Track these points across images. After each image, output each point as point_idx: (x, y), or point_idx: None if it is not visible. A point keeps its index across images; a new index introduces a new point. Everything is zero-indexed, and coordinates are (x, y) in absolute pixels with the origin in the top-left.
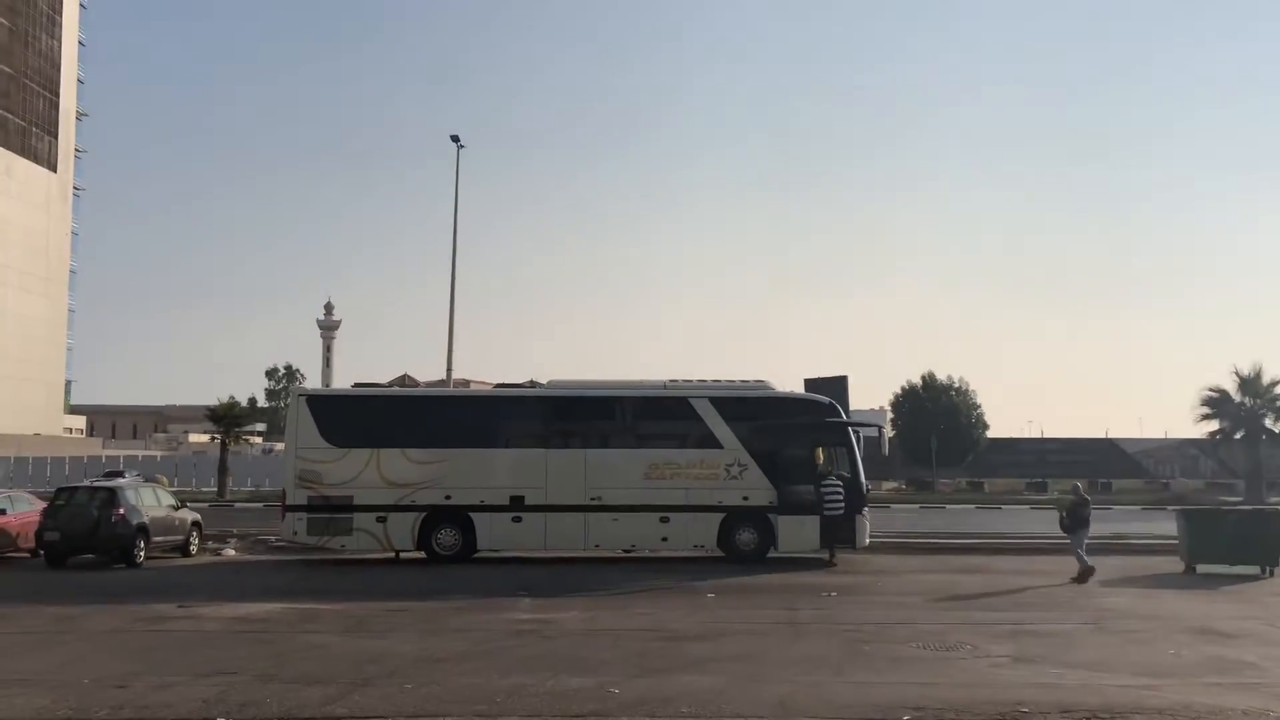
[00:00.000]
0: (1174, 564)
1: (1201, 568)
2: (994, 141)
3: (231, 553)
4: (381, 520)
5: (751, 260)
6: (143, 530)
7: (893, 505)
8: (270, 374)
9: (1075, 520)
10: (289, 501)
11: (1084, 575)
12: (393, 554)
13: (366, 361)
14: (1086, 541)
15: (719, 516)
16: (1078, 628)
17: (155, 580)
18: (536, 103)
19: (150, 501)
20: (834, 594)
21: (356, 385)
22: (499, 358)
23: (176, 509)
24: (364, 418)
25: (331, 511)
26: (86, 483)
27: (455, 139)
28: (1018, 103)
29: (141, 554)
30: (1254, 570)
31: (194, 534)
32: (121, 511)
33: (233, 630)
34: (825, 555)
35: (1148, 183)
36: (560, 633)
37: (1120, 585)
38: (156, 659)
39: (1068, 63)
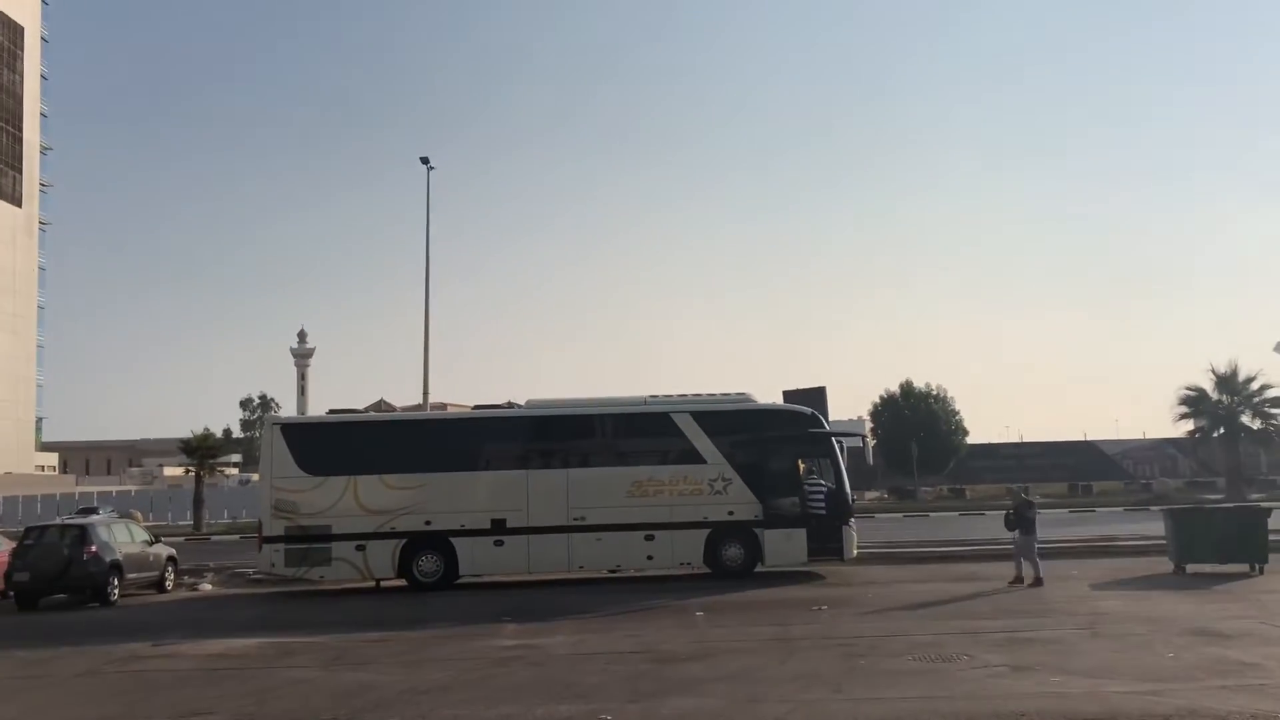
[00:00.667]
0: (1163, 564)
1: (1191, 567)
2: (967, 147)
3: (208, 587)
4: (360, 549)
5: (728, 275)
6: (116, 568)
7: (877, 515)
8: (245, 404)
9: (1021, 523)
10: (265, 533)
11: (1017, 581)
12: (373, 583)
13: (342, 388)
14: (1037, 545)
15: (704, 532)
16: (1073, 633)
17: (130, 619)
18: (511, 119)
19: (123, 538)
20: (825, 607)
21: (331, 412)
22: (476, 380)
23: (150, 544)
24: (340, 445)
25: (309, 541)
26: (57, 520)
27: (425, 161)
28: (990, 109)
29: (115, 592)
30: (1243, 568)
31: (169, 569)
32: (93, 549)
33: (209, 668)
34: (808, 565)
35: (1122, 184)
36: (547, 658)
37: (1112, 588)
38: (129, 701)
39: (1037, 66)
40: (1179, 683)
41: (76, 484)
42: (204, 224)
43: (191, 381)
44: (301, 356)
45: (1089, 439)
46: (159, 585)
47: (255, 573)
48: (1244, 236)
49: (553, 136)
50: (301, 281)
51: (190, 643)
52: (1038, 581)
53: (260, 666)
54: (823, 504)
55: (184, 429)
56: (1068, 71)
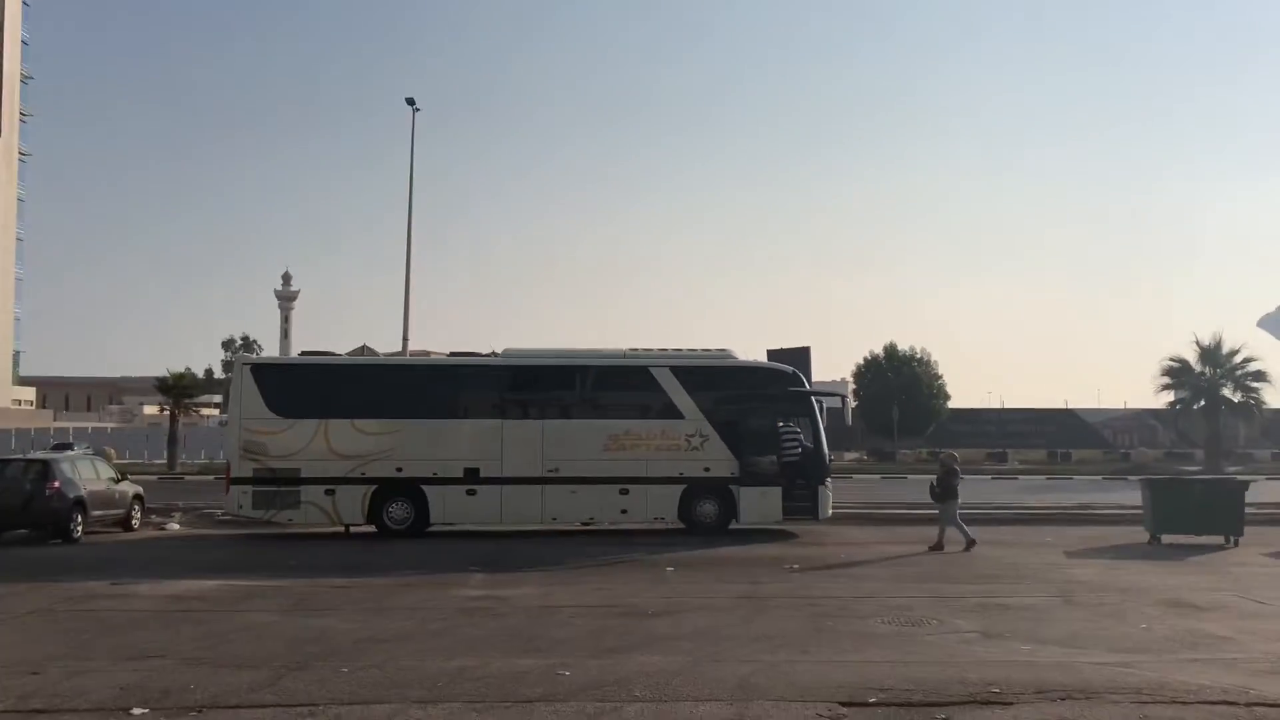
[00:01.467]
0: (1139, 534)
1: (1167, 538)
2: (960, 117)
3: (175, 527)
4: (330, 493)
5: (716, 233)
6: (79, 504)
7: (854, 475)
8: (227, 345)
9: (945, 490)
10: (233, 474)
11: (938, 546)
12: (342, 528)
13: (326, 333)
14: (959, 511)
15: (680, 488)
16: (1046, 600)
17: (91, 556)
18: (504, 64)
19: (88, 474)
20: (797, 567)
21: (304, 353)
22: (462, 330)
23: (117, 482)
24: (311, 387)
25: (278, 484)
26: (18, 456)
27: (410, 102)
28: (986, 80)
29: (79, 529)
30: (1218, 540)
31: (136, 508)
32: (57, 485)
33: (166, 609)
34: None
35: (1111, 158)
36: (512, 610)
37: (1087, 556)
38: (79, 642)
39: (1039, 43)
40: (1150, 655)
41: (54, 419)
42: (191, 160)
43: (175, 321)
44: (285, 299)
45: (1070, 407)
46: (125, 524)
47: (223, 514)
48: (1235, 211)
49: (547, 84)
50: (288, 224)
51: (150, 583)
52: (940, 546)
53: (218, 609)
54: (795, 438)
55: (166, 368)
56: (1066, 46)
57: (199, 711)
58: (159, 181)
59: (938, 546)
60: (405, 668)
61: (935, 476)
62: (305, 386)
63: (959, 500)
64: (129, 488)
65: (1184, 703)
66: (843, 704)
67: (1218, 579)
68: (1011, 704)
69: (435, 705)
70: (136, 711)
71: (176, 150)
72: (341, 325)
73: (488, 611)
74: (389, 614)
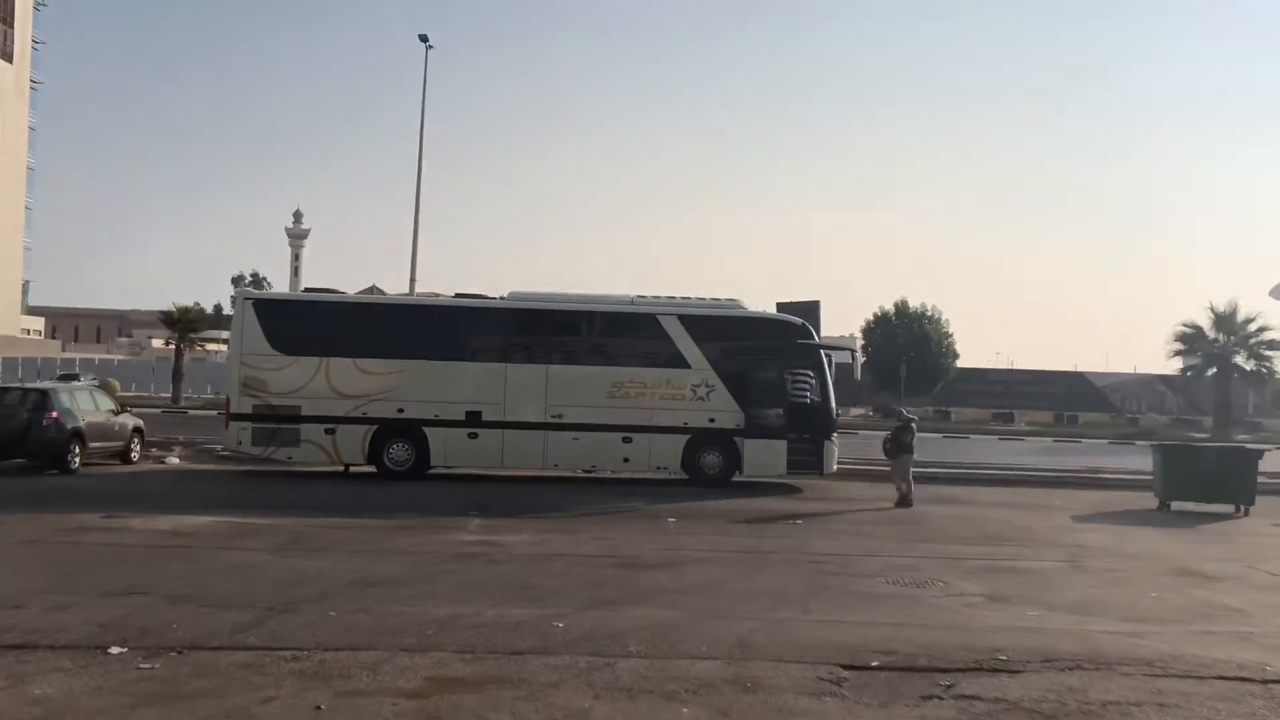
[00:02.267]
0: (1148, 500)
1: (1176, 505)
2: (974, 68)
3: (175, 461)
4: (330, 432)
5: (731, 182)
6: (77, 435)
7: (860, 431)
8: (236, 281)
9: (898, 446)
10: (233, 409)
11: (903, 502)
12: (342, 468)
13: (336, 272)
14: (912, 470)
15: (684, 438)
16: (1054, 565)
17: (87, 488)
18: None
19: (87, 405)
20: (800, 521)
21: (307, 290)
22: (474, 273)
23: (117, 414)
24: (313, 324)
25: (278, 421)
26: (17, 385)
27: (424, 39)
28: (1001, 29)
29: (76, 460)
30: (1228, 509)
31: (135, 440)
32: (54, 415)
33: (157, 544)
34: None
35: (1131, 116)
36: (509, 557)
37: (1095, 521)
38: (64, 574)
39: None
40: (1162, 625)
41: (62, 350)
42: (206, 93)
43: (188, 256)
44: (296, 237)
45: (1079, 370)
46: (124, 456)
47: (223, 450)
48: (1253, 175)
49: (561, 27)
50: (302, 162)
51: (142, 517)
52: (906, 501)
53: (210, 546)
54: (806, 379)
55: (172, 301)
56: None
57: (179, 653)
58: (173, 113)
59: (903, 502)
60: (396, 613)
61: (889, 432)
62: (308, 323)
63: (913, 456)
64: (129, 420)
65: (1198, 677)
66: (844, 666)
67: (1228, 548)
68: (1019, 672)
69: (424, 654)
70: (114, 650)
71: (191, 81)
72: (353, 265)
73: (484, 558)
74: (383, 557)
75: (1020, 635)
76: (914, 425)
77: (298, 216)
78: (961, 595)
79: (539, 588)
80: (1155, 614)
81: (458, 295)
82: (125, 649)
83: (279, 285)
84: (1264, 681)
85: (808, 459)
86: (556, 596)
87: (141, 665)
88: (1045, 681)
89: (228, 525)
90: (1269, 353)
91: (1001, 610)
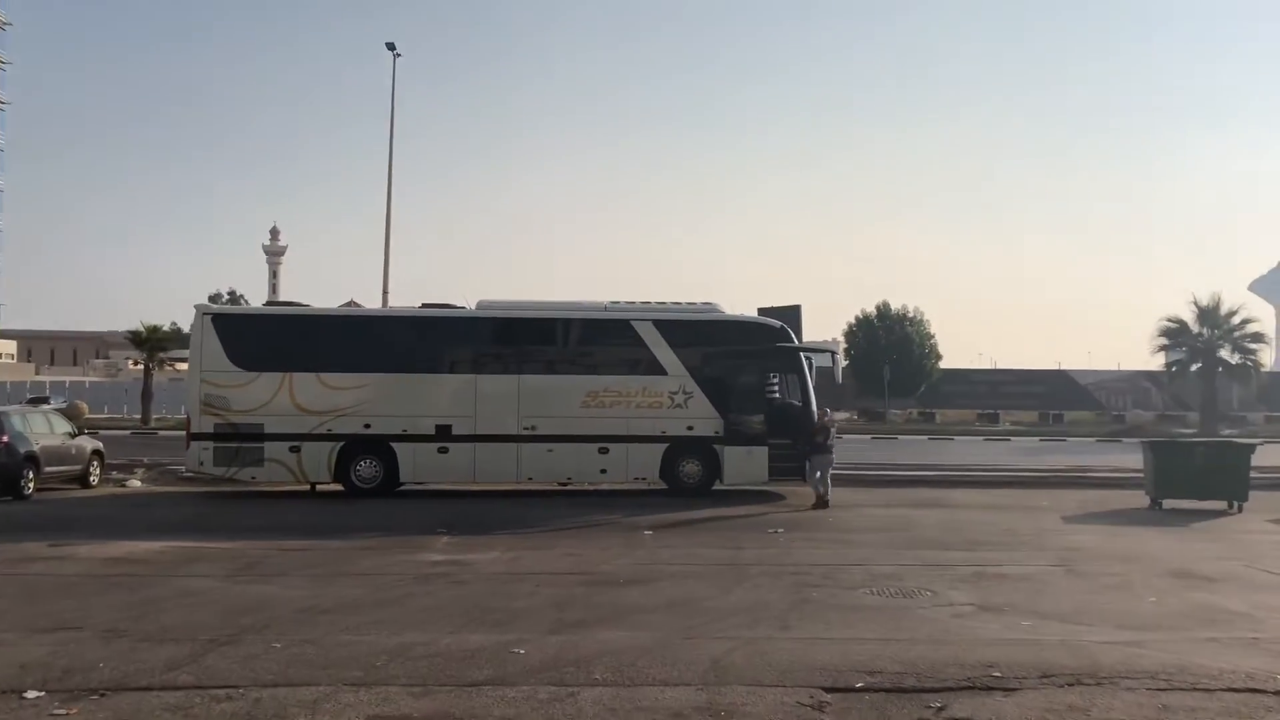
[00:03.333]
0: (1138, 498)
1: (1168, 502)
2: (954, 71)
3: (137, 484)
4: (295, 450)
5: (708, 189)
6: (31, 460)
7: (844, 436)
8: (213, 299)
9: (813, 446)
10: (193, 429)
11: (820, 503)
12: (308, 487)
13: (315, 288)
14: (831, 472)
15: (662, 447)
16: (1045, 570)
17: (39, 514)
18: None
19: (42, 429)
20: (782, 530)
21: (269, 303)
22: (453, 285)
23: (73, 436)
24: (275, 339)
25: (240, 440)
26: None
27: (391, 47)
28: (982, 32)
29: (30, 485)
30: (1220, 505)
31: (94, 464)
32: (5, 440)
33: (101, 573)
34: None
35: (1114, 116)
36: (475, 577)
37: (1086, 521)
38: None
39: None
40: (1162, 632)
41: (36, 373)
42: (179, 112)
43: (166, 276)
44: (274, 254)
45: (1062, 368)
46: (83, 480)
47: (186, 471)
48: (1233, 172)
49: (536, 34)
50: (278, 180)
51: (92, 544)
52: (822, 503)
53: (158, 573)
54: (787, 422)
55: (140, 320)
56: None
57: (101, 695)
58: (148, 131)
59: (819, 503)
60: (345, 643)
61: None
62: (269, 338)
63: (831, 457)
64: (87, 443)
65: (1206, 690)
66: (826, 689)
67: (1225, 547)
68: (1014, 690)
69: (370, 689)
70: (30, 694)
71: (162, 100)
72: (332, 281)
73: (447, 578)
74: (340, 580)
75: (1014, 648)
76: (831, 425)
77: (274, 234)
78: (950, 605)
79: (503, 610)
80: (1154, 620)
81: (424, 305)
82: (43, 692)
83: (256, 302)
84: (1276, 693)
85: (790, 465)
86: (521, 619)
87: (57, 711)
88: (1043, 700)
89: (180, 550)
90: (1253, 346)
91: (993, 620)
